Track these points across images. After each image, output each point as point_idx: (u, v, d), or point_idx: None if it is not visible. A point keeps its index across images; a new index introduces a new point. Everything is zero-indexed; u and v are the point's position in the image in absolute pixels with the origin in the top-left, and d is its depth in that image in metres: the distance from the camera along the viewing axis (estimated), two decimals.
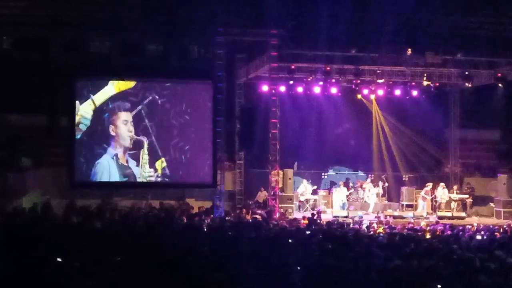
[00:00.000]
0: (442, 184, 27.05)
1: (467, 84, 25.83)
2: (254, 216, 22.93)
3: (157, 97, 25.56)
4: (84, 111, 25.18)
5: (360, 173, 29.25)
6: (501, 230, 19.87)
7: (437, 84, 26.56)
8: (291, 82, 25.78)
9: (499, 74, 25.17)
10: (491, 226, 21.43)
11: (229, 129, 26.06)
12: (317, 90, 26.47)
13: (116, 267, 11.09)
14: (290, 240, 14.54)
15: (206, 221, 20.81)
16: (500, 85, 25.83)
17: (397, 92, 27.16)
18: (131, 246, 12.55)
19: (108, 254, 11.84)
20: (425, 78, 25.86)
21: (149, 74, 25.67)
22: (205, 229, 17.52)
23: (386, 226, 20.33)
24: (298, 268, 10.99)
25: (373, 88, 26.95)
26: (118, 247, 12.46)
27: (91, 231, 15.88)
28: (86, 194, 24.70)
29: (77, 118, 25.12)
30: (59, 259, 11.11)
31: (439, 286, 9.94)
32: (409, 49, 24.60)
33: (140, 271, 10.75)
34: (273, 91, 24.43)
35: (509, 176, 26.79)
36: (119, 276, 10.50)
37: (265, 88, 25.78)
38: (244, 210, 25.02)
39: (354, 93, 27.41)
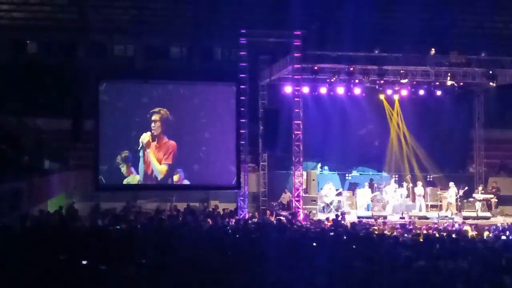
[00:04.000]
0: (451, 183, 26.85)
1: (491, 83, 25.61)
2: (278, 217, 22.94)
3: (181, 99, 25.73)
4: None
5: (384, 174, 29.10)
6: None
7: (461, 83, 26.38)
8: (314, 82, 25.73)
9: None
10: None
11: (253, 130, 26.11)
12: (340, 91, 26.42)
13: (141, 269, 11.17)
14: (314, 244, 14.50)
15: (230, 223, 20.89)
16: None
17: (421, 92, 27.03)
18: (157, 248, 12.64)
19: (133, 256, 11.92)
20: (449, 78, 25.67)
21: (173, 77, 25.81)
22: (230, 231, 17.56)
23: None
24: (323, 269, 10.99)
25: (396, 88, 26.85)
26: (144, 249, 12.55)
27: (116, 233, 16.01)
28: (111, 197, 24.90)
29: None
30: (84, 262, 11.20)
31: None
32: (433, 49, 24.46)
33: (164, 272, 10.82)
34: (296, 92, 24.42)
35: None
36: (144, 278, 10.58)
37: (288, 89, 25.79)
38: (268, 211, 25.04)
39: (377, 94, 27.33)
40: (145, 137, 25.76)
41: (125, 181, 25.58)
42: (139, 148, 25.69)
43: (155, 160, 25.84)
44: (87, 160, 26.14)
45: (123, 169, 25.57)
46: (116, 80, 26.09)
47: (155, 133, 25.79)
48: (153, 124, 25.74)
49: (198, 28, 25.90)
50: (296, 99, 24.39)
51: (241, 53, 24.45)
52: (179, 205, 24.80)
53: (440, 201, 26.84)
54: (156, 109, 25.69)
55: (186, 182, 25.85)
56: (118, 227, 18.69)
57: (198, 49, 26.61)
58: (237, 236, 16.22)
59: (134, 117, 25.64)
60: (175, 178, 25.81)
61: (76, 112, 25.39)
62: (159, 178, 25.88)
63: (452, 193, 26.59)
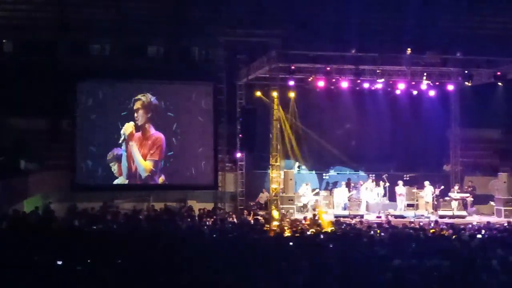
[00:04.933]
0: (426, 182, 27.07)
1: (467, 83, 25.83)
2: (256, 217, 22.96)
3: (159, 99, 25.60)
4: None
5: (361, 173, 29.23)
6: (502, 229, 19.91)
7: (437, 83, 26.59)
8: (292, 82, 25.76)
9: (499, 73, 25.18)
10: (491, 225, 21.47)
11: (230, 130, 26.10)
12: (318, 90, 26.48)
13: (118, 270, 11.13)
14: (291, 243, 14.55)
15: (207, 223, 20.87)
16: (499, 83, 25.83)
17: (398, 92, 27.17)
18: (133, 249, 12.60)
19: (110, 257, 11.88)
20: (425, 78, 25.87)
21: (151, 76, 25.68)
22: (207, 231, 17.54)
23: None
24: (300, 269, 11.03)
25: (373, 88, 26.97)
26: (121, 250, 12.51)
27: (93, 234, 15.94)
28: (87, 197, 24.74)
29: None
30: (59, 262, 11.15)
31: None
32: (409, 49, 24.61)
33: (142, 273, 10.79)
34: (275, 91, 24.42)
35: (509, 175, 26.79)
36: (121, 278, 10.54)
37: (266, 88, 25.76)
38: (245, 211, 25.06)
39: (355, 93, 27.44)
40: (128, 127, 25.29)
41: (116, 182, 25.33)
42: (120, 141, 25.40)
43: (139, 155, 25.48)
44: (65, 160, 25.95)
45: (114, 168, 25.32)
46: (94, 79, 25.92)
47: (139, 123, 25.44)
48: (135, 114, 25.45)
49: (176, 27, 25.83)
50: (273, 98, 24.39)
51: (218, 52, 24.41)
52: (156, 205, 24.71)
53: (417, 200, 27.01)
54: (138, 96, 25.44)
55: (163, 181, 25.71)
56: (95, 227, 18.61)
57: (176, 48, 26.49)
58: (214, 236, 16.23)
59: (113, 116, 25.47)
60: (160, 180, 25.64)
61: (53, 112, 25.25)
62: (143, 176, 25.55)
63: (428, 191, 26.80)
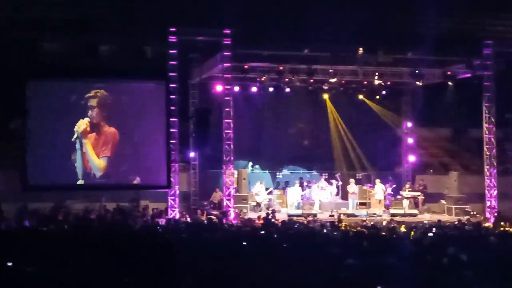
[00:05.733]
0: (377, 180, 27.40)
1: (418, 82, 26.19)
2: (209, 217, 22.90)
3: (112, 97, 25.23)
4: None
5: (314, 172, 29.40)
6: (453, 227, 20.21)
7: (389, 83, 26.90)
8: (245, 81, 25.78)
9: (449, 73, 25.61)
10: (442, 223, 21.78)
11: (183, 130, 25.91)
12: (270, 89, 26.55)
13: (69, 271, 10.97)
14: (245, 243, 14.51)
15: (160, 222, 20.73)
16: (450, 83, 26.25)
17: (350, 91, 27.39)
18: (85, 249, 12.43)
19: (61, 257, 11.71)
20: (376, 78, 26.14)
21: (102, 75, 25.31)
22: (160, 231, 17.42)
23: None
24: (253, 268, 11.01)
25: (326, 88, 27.14)
26: (72, 250, 12.33)
27: (44, 234, 15.69)
28: (39, 198, 24.30)
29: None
30: (9, 264, 10.94)
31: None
32: (361, 49, 24.82)
33: (94, 273, 10.66)
34: (227, 91, 24.40)
35: (459, 173, 27.29)
36: (72, 279, 10.39)
37: (219, 88, 25.68)
38: (199, 211, 24.97)
39: (307, 93, 27.59)
40: (81, 124, 24.57)
41: (70, 182, 24.81)
42: (73, 138, 24.90)
43: (93, 153, 25.00)
44: (16, 160, 25.37)
45: (71, 167, 24.79)
46: (45, 79, 25.43)
47: (94, 121, 24.94)
48: (90, 112, 24.99)
49: (128, 25, 25.51)
50: (226, 98, 24.37)
51: (171, 51, 24.22)
52: (109, 205, 24.42)
53: (369, 199, 27.29)
54: (92, 93, 24.99)
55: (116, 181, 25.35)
56: (46, 228, 18.31)
57: (128, 46, 26.20)
58: (167, 236, 16.11)
59: (65, 115, 25.00)
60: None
61: (4, 111, 24.74)
62: (97, 176, 25.06)
63: (378, 189, 27.09)
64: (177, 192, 24.50)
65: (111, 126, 24.97)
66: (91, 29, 25.13)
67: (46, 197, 24.38)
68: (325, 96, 28.50)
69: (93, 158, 24.87)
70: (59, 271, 10.79)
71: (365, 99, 28.78)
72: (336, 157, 29.50)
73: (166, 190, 24.79)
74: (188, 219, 22.80)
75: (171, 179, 24.55)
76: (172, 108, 24.60)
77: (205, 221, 21.25)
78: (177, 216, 23.61)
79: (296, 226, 19.80)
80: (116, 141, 24.94)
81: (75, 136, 24.67)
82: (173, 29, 23.85)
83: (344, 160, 29.44)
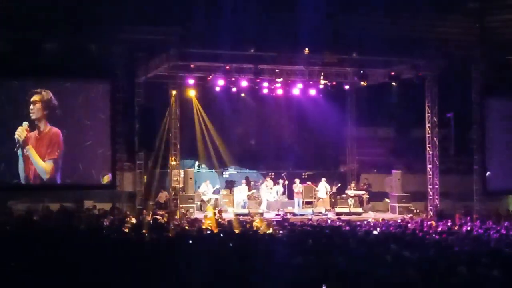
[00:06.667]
0: (323, 179, 27.69)
1: (362, 83, 26.49)
2: (155, 217, 22.75)
3: (56, 96, 24.76)
4: None
5: (261, 172, 29.48)
6: (396, 225, 20.53)
7: (334, 83, 27.14)
8: (191, 81, 25.67)
9: (393, 73, 25.97)
10: (386, 221, 22.11)
11: (129, 129, 25.66)
12: (217, 89, 26.53)
13: (11, 272, 10.80)
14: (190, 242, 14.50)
15: (105, 223, 20.51)
16: (393, 83, 26.62)
17: (296, 91, 27.54)
18: (27, 250, 12.24)
19: (2, 258, 11.51)
20: (322, 77, 26.34)
21: (46, 73, 24.83)
22: (104, 232, 17.24)
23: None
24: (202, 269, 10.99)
25: (272, 87, 27.24)
26: (14, 251, 12.13)
27: None
28: None
29: None
30: None
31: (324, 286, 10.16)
32: (306, 49, 24.96)
33: (35, 275, 10.51)
34: (174, 90, 24.25)
35: (403, 172, 27.72)
36: (13, 280, 10.23)
37: (165, 87, 25.51)
38: (144, 211, 24.78)
39: (254, 92, 27.67)
40: (21, 131, 23.86)
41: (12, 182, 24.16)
42: (16, 148, 24.30)
43: (37, 157, 24.40)
44: None
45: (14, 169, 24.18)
46: None
47: (34, 119, 24.32)
48: (31, 107, 24.28)
49: (72, 23, 25.12)
50: (173, 97, 24.21)
51: (116, 49, 23.95)
52: (53, 206, 24.03)
53: (315, 198, 27.50)
54: (38, 90, 24.43)
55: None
56: None
57: (73, 45, 25.77)
58: (113, 236, 15.97)
59: (6, 116, 24.43)
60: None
61: None
62: (45, 179, 24.56)
63: (321, 188, 27.33)
64: (122, 192, 24.25)
65: (54, 126, 24.49)
66: (34, 26, 24.66)
67: None
68: (272, 95, 28.59)
69: (38, 162, 24.24)
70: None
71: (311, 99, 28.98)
72: (281, 156, 29.64)
73: (111, 190, 24.52)
74: (133, 220, 22.59)
75: (116, 179, 24.29)
76: (118, 106, 24.32)
77: (151, 221, 21.09)
78: (122, 216, 23.35)
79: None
80: (60, 142, 24.44)
81: (17, 144, 24.01)
82: (119, 27, 23.56)
83: (290, 159, 29.61)
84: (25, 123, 24.10)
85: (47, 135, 24.33)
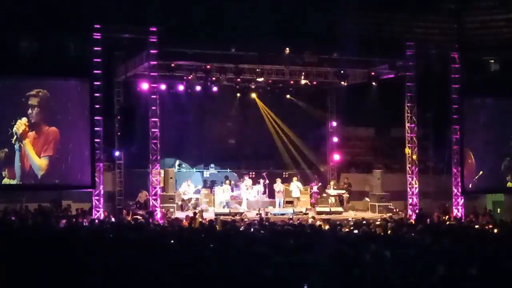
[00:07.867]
0: (294, 178, 27.78)
1: (343, 83, 26.57)
2: (135, 217, 22.64)
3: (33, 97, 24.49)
4: None
5: (241, 171, 29.47)
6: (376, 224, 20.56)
7: (315, 82, 27.21)
8: (171, 79, 25.60)
9: (373, 73, 26.09)
10: (364, 221, 22.12)
11: (108, 128, 25.46)
12: (198, 88, 26.48)
13: None
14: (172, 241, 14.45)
15: (84, 223, 20.38)
16: (373, 83, 26.73)
17: (277, 90, 27.58)
18: (5, 251, 12.14)
19: None
20: (303, 77, 26.39)
21: (22, 73, 24.56)
22: (84, 232, 17.13)
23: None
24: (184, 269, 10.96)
25: (253, 87, 27.25)
26: None
27: None
28: None
29: None
30: None
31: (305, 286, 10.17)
32: (287, 48, 24.98)
33: (15, 276, 10.44)
34: (153, 89, 24.13)
35: (383, 172, 27.86)
36: None
37: (145, 86, 25.37)
38: (124, 211, 24.66)
39: (235, 91, 27.67)
40: (20, 125, 23.53)
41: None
42: (13, 141, 23.97)
43: (33, 153, 24.09)
44: None
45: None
46: None
47: (33, 120, 24.08)
48: (30, 110, 24.09)
49: (49, 22, 24.90)
50: (152, 96, 24.06)
51: (95, 48, 23.76)
52: (31, 206, 23.82)
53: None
54: (34, 92, 24.14)
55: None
56: None
57: (50, 44, 25.54)
58: (92, 237, 15.86)
59: None
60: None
61: None
62: (39, 176, 24.20)
63: (294, 187, 27.37)
64: (102, 192, 24.11)
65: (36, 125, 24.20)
66: (11, 25, 24.43)
67: None
68: (254, 95, 28.64)
69: (33, 157, 23.77)
70: None
71: (292, 98, 29.06)
72: (262, 155, 29.67)
73: (91, 190, 24.33)
74: (113, 219, 22.48)
75: (96, 178, 24.11)
76: (97, 106, 24.14)
77: (131, 221, 21.00)
78: (102, 216, 23.22)
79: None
80: (57, 139, 24.12)
81: (14, 137, 23.69)
82: (97, 26, 23.39)
83: (270, 158, 29.66)
84: (25, 119, 23.78)
85: (44, 134, 23.93)
